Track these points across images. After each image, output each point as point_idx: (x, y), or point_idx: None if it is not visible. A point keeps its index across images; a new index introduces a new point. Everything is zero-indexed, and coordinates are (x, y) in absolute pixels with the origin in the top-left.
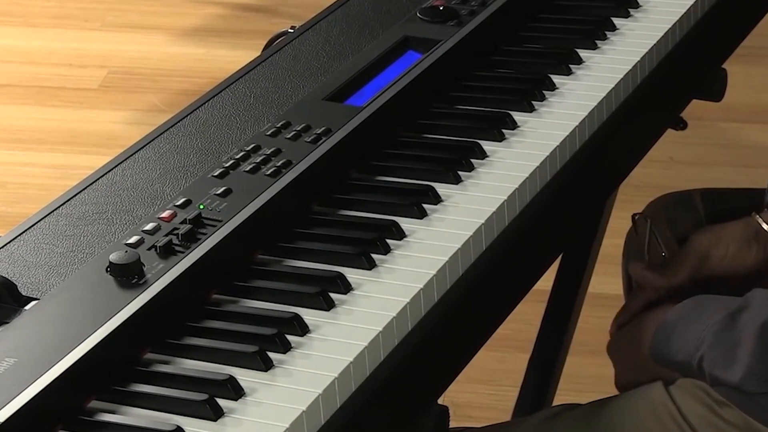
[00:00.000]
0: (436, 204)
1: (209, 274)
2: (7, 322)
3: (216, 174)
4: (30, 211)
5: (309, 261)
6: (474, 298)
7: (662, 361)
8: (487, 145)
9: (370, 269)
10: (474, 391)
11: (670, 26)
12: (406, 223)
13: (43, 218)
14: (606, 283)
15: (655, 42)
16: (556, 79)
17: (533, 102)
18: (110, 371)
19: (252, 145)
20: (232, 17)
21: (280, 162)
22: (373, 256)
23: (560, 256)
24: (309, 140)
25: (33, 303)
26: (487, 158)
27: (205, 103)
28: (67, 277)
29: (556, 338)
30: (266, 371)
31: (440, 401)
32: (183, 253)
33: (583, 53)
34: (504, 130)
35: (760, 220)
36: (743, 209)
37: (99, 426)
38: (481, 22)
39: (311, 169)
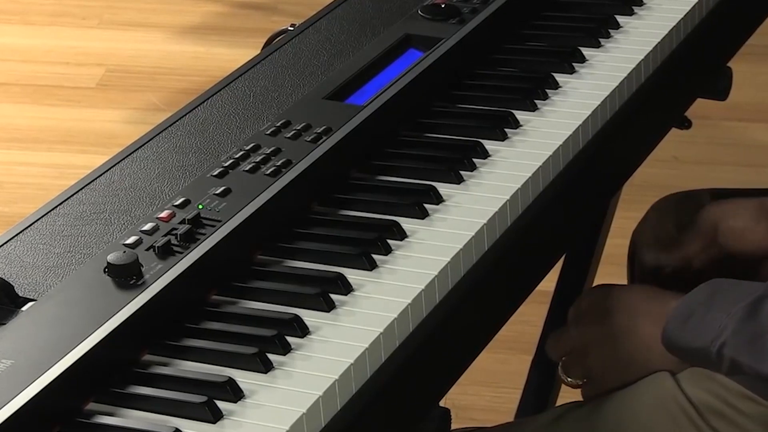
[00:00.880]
0: (437, 204)
1: (208, 274)
2: (4, 324)
3: (215, 173)
4: (27, 211)
5: (309, 261)
6: (476, 300)
7: (675, 347)
8: (489, 145)
9: (370, 270)
10: (476, 393)
11: (674, 24)
12: (407, 223)
13: (40, 218)
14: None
15: (659, 40)
16: (559, 77)
17: (536, 101)
18: (108, 373)
19: (251, 145)
20: (232, 15)
21: (280, 161)
22: (374, 256)
23: (563, 257)
24: (309, 139)
25: (30, 304)
26: (489, 157)
27: (204, 101)
28: (64, 278)
29: None
30: (266, 373)
31: (442, 403)
32: (182, 253)
33: (586, 51)
34: (506, 129)
35: None
36: None
37: (97, 428)
38: (483, 20)
39: (311, 168)
